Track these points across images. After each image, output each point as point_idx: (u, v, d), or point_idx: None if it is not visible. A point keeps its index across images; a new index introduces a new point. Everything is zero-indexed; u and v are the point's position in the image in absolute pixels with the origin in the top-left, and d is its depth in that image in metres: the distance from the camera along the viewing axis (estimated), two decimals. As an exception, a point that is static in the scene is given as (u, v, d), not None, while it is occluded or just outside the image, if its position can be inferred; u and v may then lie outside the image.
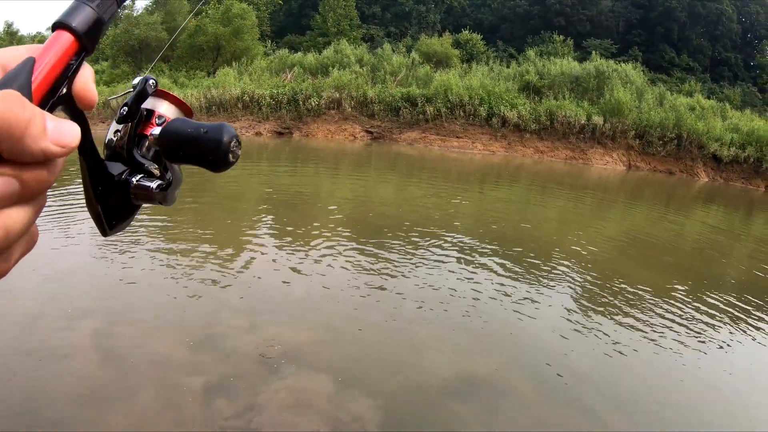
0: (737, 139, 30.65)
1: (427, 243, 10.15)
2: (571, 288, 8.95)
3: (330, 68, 30.36)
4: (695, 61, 61.02)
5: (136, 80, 0.74)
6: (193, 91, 28.13)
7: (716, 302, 9.20)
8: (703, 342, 7.62)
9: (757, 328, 8.40)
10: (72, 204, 10.56)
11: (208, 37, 34.58)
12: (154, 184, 0.71)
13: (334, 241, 9.69)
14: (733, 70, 62.34)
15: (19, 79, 0.50)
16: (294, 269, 8.16)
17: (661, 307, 8.51)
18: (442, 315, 7.22)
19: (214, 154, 0.67)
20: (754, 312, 9.11)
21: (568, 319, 7.61)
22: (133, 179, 0.70)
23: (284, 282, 7.68)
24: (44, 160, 0.49)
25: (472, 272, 8.89)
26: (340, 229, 10.66)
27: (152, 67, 31.62)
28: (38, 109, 0.48)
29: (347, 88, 28.27)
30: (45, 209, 0.62)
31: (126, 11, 38.70)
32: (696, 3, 61.05)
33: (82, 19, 0.57)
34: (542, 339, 7.02)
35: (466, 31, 50.57)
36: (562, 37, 52.16)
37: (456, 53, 41.06)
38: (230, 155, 0.67)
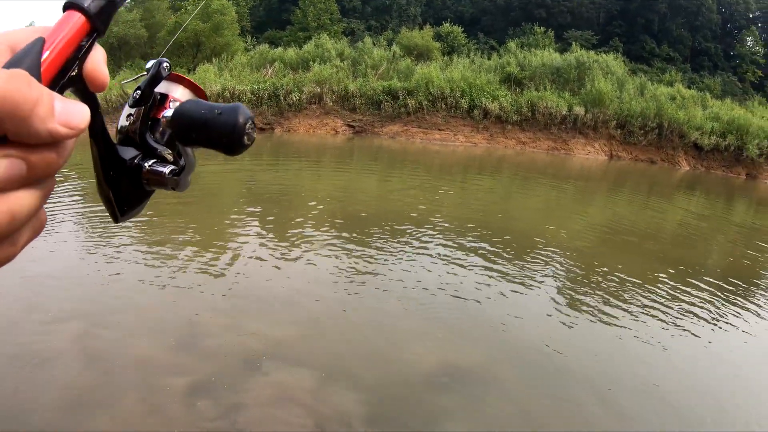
0: (718, 127, 31.03)
1: (411, 235, 10.10)
2: (555, 277, 8.94)
3: (311, 63, 30.15)
4: (675, 52, 61.29)
5: (150, 63, 0.72)
6: (172, 87, 27.80)
7: (700, 287, 9.25)
8: (689, 326, 7.64)
9: (741, 311, 8.48)
10: (54, 202, 10.40)
11: (188, 34, 34.25)
12: (166, 169, 0.69)
13: (318, 235, 9.61)
14: (713, 60, 62.67)
15: (28, 59, 0.49)
16: (277, 265, 8.07)
17: (646, 294, 8.52)
18: (426, 307, 7.16)
19: (228, 136, 0.66)
20: (737, 295, 9.20)
21: (553, 309, 7.59)
22: (146, 164, 0.69)
23: (267, 278, 7.59)
24: (52, 141, 0.47)
25: (456, 263, 8.84)
26: (323, 223, 10.57)
27: (132, 64, 31.38)
28: (46, 89, 0.46)
29: (328, 82, 28.11)
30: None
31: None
32: (676, -7, 61.38)
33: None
34: (527, 329, 7.00)
35: (447, 24, 50.40)
36: (542, 29, 52.19)
37: (437, 46, 40.98)
38: (245, 137, 0.66)
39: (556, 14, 60.43)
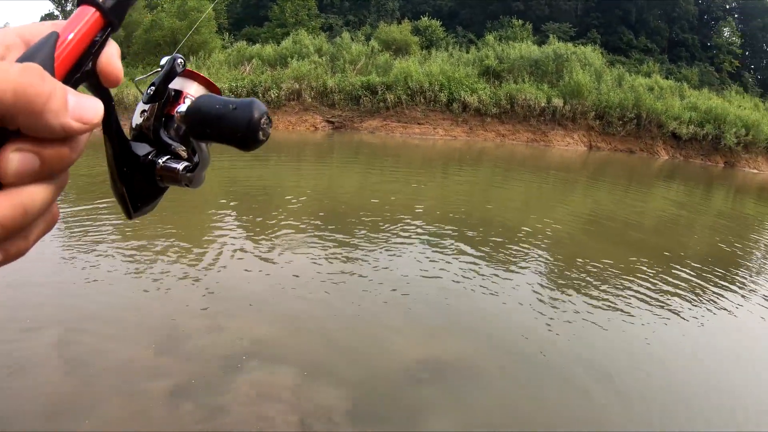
0: (696, 117, 31.44)
1: (392, 229, 10.04)
2: (537, 268, 8.95)
3: (289, 59, 29.95)
4: (653, 43, 61.54)
5: (164, 60, 0.72)
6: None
7: (682, 273, 9.36)
8: (672, 312, 7.72)
9: (721, 296, 8.59)
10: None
11: (165, 32, 33.86)
12: (180, 166, 0.69)
13: (298, 232, 9.52)
14: (691, 50, 63.01)
15: (42, 53, 0.49)
16: (257, 263, 7.97)
17: (629, 282, 8.58)
18: (408, 300, 7.13)
19: (243, 131, 0.66)
20: (717, 281, 9.32)
21: (536, 299, 7.59)
22: (160, 161, 0.69)
23: (247, 277, 7.48)
24: (65, 136, 0.47)
25: (439, 256, 8.82)
26: (304, 219, 10.48)
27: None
28: (59, 84, 0.47)
29: (307, 78, 27.93)
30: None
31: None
32: (653, -15, 61.66)
33: None
34: (510, 319, 6.99)
35: (425, 18, 50.34)
36: (520, 22, 52.13)
37: (415, 40, 40.85)
38: (260, 133, 0.66)
39: (534, 7, 60.46)
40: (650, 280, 8.77)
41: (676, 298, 8.19)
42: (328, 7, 56.72)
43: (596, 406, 5.29)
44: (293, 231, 9.52)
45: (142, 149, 0.68)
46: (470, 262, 8.63)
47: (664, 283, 8.73)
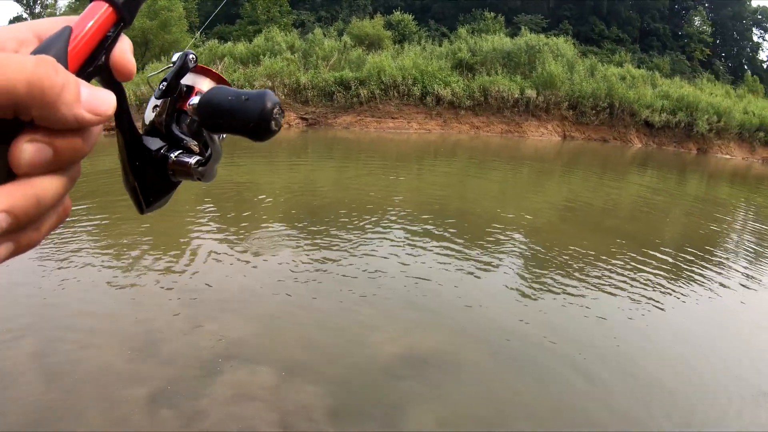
0: (668, 105, 31.88)
1: (370, 224, 9.98)
2: (516, 258, 8.94)
3: (261, 56, 29.74)
4: (625, 33, 62.05)
5: (176, 56, 0.72)
6: (121, 88, 27.25)
7: (658, 258, 9.46)
8: (651, 296, 7.77)
9: (698, 278, 8.73)
10: None
11: (135, 32, 33.43)
12: (192, 160, 0.69)
13: (275, 230, 9.42)
14: (662, 40, 63.62)
15: (55, 46, 0.50)
16: (233, 263, 7.85)
17: (607, 268, 8.63)
18: (387, 294, 7.09)
19: (255, 121, 0.66)
20: (694, 264, 9.48)
21: (514, 289, 7.59)
22: (172, 155, 0.69)
23: (224, 277, 7.36)
24: (78, 127, 0.48)
25: (416, 250, 8.77)
26: (279, 217, 10.37)
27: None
28: (72, 76, 0.47)
29: (279, 75, 27.74)
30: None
31: (48, 10, 37.44)
32: (623, -25, 62.07)
33: None
34: (489, 310, 6.97)
35: (398, 12, 50.33)
36: (493, 14, 52.33)
37: (388, 35, 40.80)
38: (272, 123, 0.67)
39: (507, -1, 60.73)
40: (628, 264, 8.84)
41: (654, 282, 8.25)
42: (300, 4, 56.51)
43: (577, 392, 5.28)
44: (268, 229, 9.41)
45: (154, 144, 0.68)
46: (448, 254, 8.60)
47: (642, 267, 8.80)
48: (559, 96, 29.81)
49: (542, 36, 35.07)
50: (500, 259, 8.69)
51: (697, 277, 8.77)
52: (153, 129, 0.71)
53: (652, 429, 4.91)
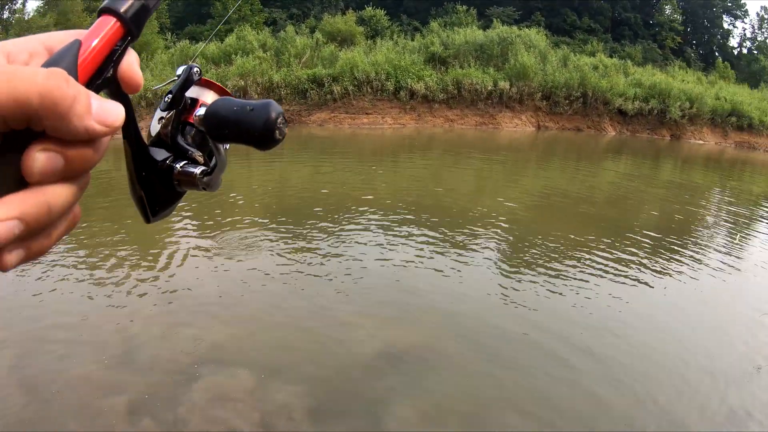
0: (640, 93, 32.25)
1: (346, 221, 9.94)
2: (493, 248, 8.96)
3: (233, 56, 29.51)
4: (596, 23, 62.29)
5: (180, 69, 0.75)
6: (91, 92, 26.92)
7: (637, 243, 9.60)
8: (631, 282, 7.90)
9: (676, 261, 8.90)
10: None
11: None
12: (198, 170, 0.71)
13: (251, 230, 9.29)
14: (634, 29, 63.96)
15: (66, 59, 0.52)
16: (210, 265, 7.77)
17: (587, 255, 8.72)
18: (365, 291, 7.07)
19: (260, 131, 0.68)
20: (672, 247, 9.65)
21: (495, 281, 7.62)
22: (177, 165, 0.71)
23: (200, 280, 7.27)
24: (88, 138, 0.49)
25: (394, 244, 8.76)
26: (255, 217, 10.26)
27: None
28: (83, 88, 0.48)
29: (252, 74, 27.55)
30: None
31: (17, 15, 36.90)
32: (593, -34, 62.36)
33: (127, 5, 0.58)
34: (471, 303, 6.97)
35: (370, 8, 50.22)
36: (465, 8, 52.32)
37: (360, 30, 40.60)
38: (277, 132, 0.68)
39: (478, -8, 60.77)
40: (607, 250, 8.92)
41: (633, 266, 8.39)
42: (271, 2, 56.07)
43: (559, 381, 5.29)
44: (244, 230, 9.27)
45: (160, 154, 0.70)
46: (426, 248, 8.60)
47: (620, 252, 8.92)
48: (533, 87, 29.97)
49: (514, 28, 35.19)
50: (479, 251, 8.69)
51: (675, 259, 8.92)
52: (159, 140, 0.72)
53: (636, 413, 4.94)
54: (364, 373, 5.22)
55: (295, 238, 8.86)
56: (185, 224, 9.64)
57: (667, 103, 32.28)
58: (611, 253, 8.80)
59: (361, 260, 8.01)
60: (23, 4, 38.17)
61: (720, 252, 9.81)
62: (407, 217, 10.35)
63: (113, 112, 0.51)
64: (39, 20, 36.12)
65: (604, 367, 5.59)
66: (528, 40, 32.90)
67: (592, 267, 8.16)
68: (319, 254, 8.20)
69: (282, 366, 5.28)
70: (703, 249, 9.90)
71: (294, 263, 7.83)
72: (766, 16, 71.83)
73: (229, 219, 10.04)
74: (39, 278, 7.19)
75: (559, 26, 59.03)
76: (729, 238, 11.10)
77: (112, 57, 0.57)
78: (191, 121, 0.73)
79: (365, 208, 10.82)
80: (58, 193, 0.49)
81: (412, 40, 34.99)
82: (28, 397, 4.81)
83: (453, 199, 12.70)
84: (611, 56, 42.53)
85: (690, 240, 10.46)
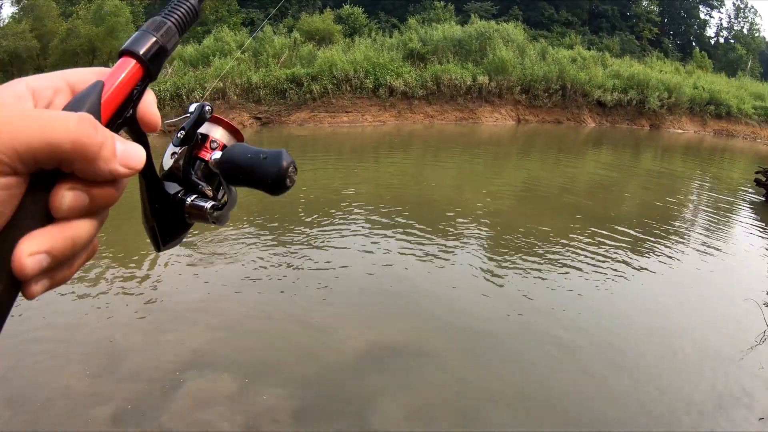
0: (619, 84, 32.53)
1: (328, 220, 9.89)
2: (478, 243, 8.95)
3: (211, 58, 29.32)
4: (574, 16, 62.65)
5: (193, 107, 0.77)
6: (70, 99, 26.65)
7: (619, 231, 9.67)
8: (613, 269, 7.96)
9: (659, 248, 9.03)
10: None
11: (82, 40, 32.77)
12: (208, 205, 0.74)
13: (232, 232, 9.18)
14: (611, 21, 64.36)
15: (90, 100, 0.54)
16: (192, 270, 7.68)
17: (571, 245, 8.78)
18: (348, 289, 7.04)
19: (273, 179, 0.73)
20: (654, 234, 9.78)
21: (478, 274, 7.62)
22: (188, 199, 0.74)
23: (183, 286, 7.20)
24: (112, 179, 0.53)
25: (377, 241, 8.74)
26: (236, 219, 10.08)
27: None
28: (109, 132, 0.52)
29: (230, 75, 27.39)
30: None
31: (-8, 22, 36.52)
32: (570, -41, 62.62)
33: (147, 47, 0.60)
34: (454, 296, 6.98)
35: (347, 6, 50.18)
36: (442, 3, 52.41)
37: (338, 29, 40.59)
38: (288, 180, 0.73)
39: (456, -12, 60.79)
40: (590, 240, 8.98)
41: (618, 255, 8.47)
42: (248, 2, 55.79)
43: (546, 374, 5.31)
44: (225, 232, 9.14)
45: (172, 188, 0.73)
46: (409, 243, 8.59)
47: (603, 241, 9.00)
48: (511, 81, 30.07)
49: (492, 22, 35.22)
50: (462, 245, 8.69)
51: (659, 246, 9.05)
52: (171, 174, 0.74)
53: (620, 399, 4.96)
54: (348, 373, 5.19)
55: (276, 239, 8.80)
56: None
57: (646, 94, 32.66)
58: (595, 243, 8.83)
59: (343, 259, 7.98)
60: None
61: (703, 238, 9.95)
62: (389, 213, 10.31)
63: (136, 155, 0.54)
64: (14, 26, 35.72)
65: (593, 358, 5.62)
66: (506, 35, 32.97)
67: (577, 257, 8.18)
68: (301, 254, 8.16)
69: (265, 368, 5.24)
70: (685, 235, 10.01)
71: (275, 264, 7.78)
72: (742, 6, 72.51)
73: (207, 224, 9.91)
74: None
75: (536, 20, 59.28)
76: (711, 224, 11.21)
77: (132, 97, 0.59)
78: (202, 157, 0.77)
79: (347, 207, 10.79)
80: (82, 228, 0.52)
81: (391, 37, 34.93)
82: (14, 410, 4.76)
83: (435, 194, 12.70)
84: (589, 48, 42.73)
85: (673, 227, 10.55)
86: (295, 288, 7.04)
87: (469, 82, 29.14)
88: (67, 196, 0.50)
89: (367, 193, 12.42)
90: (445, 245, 8.56)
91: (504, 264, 7.92)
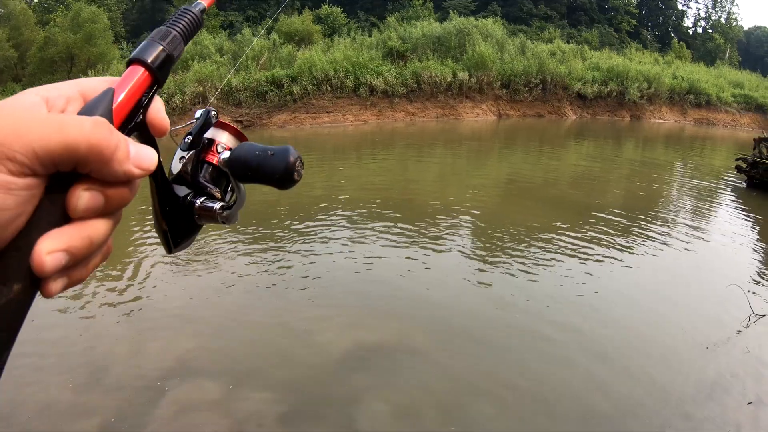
0: (599, 76, 32.83)
1: (310, 220, 9.84)
2: (462, 239, 8.93)
3: (190, 62, 29.14)
4: (553, 10, 62.84)
5: (199, 113, 0.81)
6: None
7: (605, 220, 9.76)
8: (598, 258, 8.02)
9: (644, 237, 9.11)
10: None
11: (60, 48, 32.40)
12: (217, 205, 0.76)
13: (214, 237, 9.06)
14: (589, 14, 64.67)
15: (102, 107, 0.56)
16: (173, 277, 7.60)
17: (556, 236, 8.81)
18: (331, 290, 7.00)
19: (281, 173, 0.75)
20: (639, 223, 9.86)
21: (463, 269, 7.61)
22: (197, 201, 0.76)
23: (165, 292, 7.09)
24: (126, 180, 0.55)
25: (360, 242, 8.69)
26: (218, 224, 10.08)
27: (4, 90, 29.55)
28: (122, 136, 0.54)
29: (210, 79, 27.21)
30: None
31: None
32: (547, -47, 62.83)
33: (154, 55, 0.63)
34: (439, 292, 6.94)
35: (326, 6, 50.05)
36: (421, 1, 52.36)
37: (318, 29, 40.56)
38: (295, 174, 0.76)
39: (434, -15, 60.80)
40: (575, 231, 9.03)
41: (602, 245, 8.51)
42: (227, 5, 55.57)
43: (533, 368, 5.31)
44: (207, 236, 9.04)
45: (181, 191, 0.76)
46: (393, 241, 8.58)
47: (589, 232, 9.04)
48: (491, 76, 30.20)
49: (471, 19, 35.32)
50: (446, 241, 8.67)
51: (643, 235, 9.12)
52: (180, 178, 0.77)
53: (610, 391, 4.96)
54: (334, 374, 5.15)
55: (258, 242, 8.73)
56: (145, 236, 9.40)
57: (626, 85, 33.11)
58: (579, 234, 8.86)
59: (326, 260, 7.93)
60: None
61: (686, 225, 10.04)
62: (372, 212, 10.29)
63: (148, 157, 0.57)
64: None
65: (580, 350, 5.60)
66: (485, 30, 33.11)
67: (562, 249, 8.20)
68: (284, 257, 8.10)
69: (250, 373, 5.19)
70: (669, 223, 10.09)
71: (258, 268, 7.72)
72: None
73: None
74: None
75: (515, 15, 59.40)
76: (694, 212, 11.32)
77: (142, 103, 0.61)
78: (209, 160, 0.79)
79: (330, 207, 10.75)
80: (98, 228, 0.54)
81: (370, 36, 34.90)
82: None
83: (418, 190, 12.68)
84: (568, 42, 42.97)
85: (656, 216, 10.63)
86: (278, 291, 6.99)
87: (449, 79, 29.24)
88: (83, 196, 0.52)
89: (350, 192, 12.36)
90: (429, 242, 8.54)
91: (489, 259, 7.90)
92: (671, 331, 6.05)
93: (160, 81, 0.63)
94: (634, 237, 9.02)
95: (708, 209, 11.86)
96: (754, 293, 7.09)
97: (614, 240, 8.70)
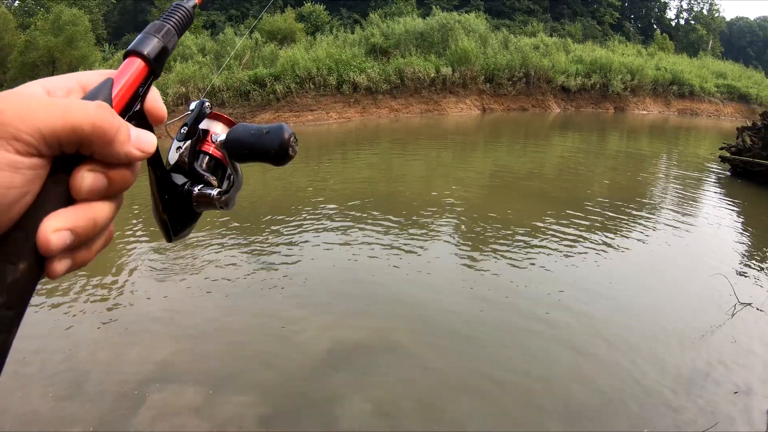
0: (582, 69, 33.01)
1: (295, 219, 9.77)
2: (447, 234, 8.94)
3: (172, 62, 28.98)
4: (536, 4, 62.93)
5: (193, 104, 0.82)
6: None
7: (592, 212, 9.83)
8: (585, 250, 8.07)
9: (631, 227, 9.24)
10: None
11: (41, 52, 32.10)
12: (215, 192, 0.78)
13: (197, 239, 8.98)
14: (572, 7, 64.86)
15: (102, 95, 0.58)
16: (152, 282, 7.51)
17: (543, 229, 8.87)
18: (313, 290, 6.97)
19: (276, 149, 0.76)
20: (626, 213, 9.98)
21: (449, 264, 7.63)
22: (195, 189, 0.78)
23: (144, 298, 7.02)
24: (127, 162, 0.57)
25: (343, 240, 8.65)
26: (202, 225, 9.90)
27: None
28: (123, 120, 0.56)
29: (192, 80, 27.07)
30: None
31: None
32: (529, -54, 62.89)
33: (151, 47, 0.65)
34: (424, 288, 6.94)
35: (309, 4, 49.88)
36: (404, -4, 52.40)
37: (300, 27, 40.42)
38: (290, 149, 0.76)
39: (417, -19, 60.72)
40: (561, 222, 9.09)
41: (588, 235, 8.57)
42: (209, 4, 55.28)
43: (515, 363, 5.30)
44: (190, 239, 8.90)
45: (179, 180, 0.77)
46: (379, 238, 8.55)
47: (577, 222, 9.12)
48: (475, 71, 30.25)
49: (454, 14, 35.32)
50: (431, 236, 8.68)
51: (631, 225, 9.25)
52: (177, 167, 0.78)
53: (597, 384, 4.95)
54: (314, 374, 5.13)
55: (240, 243, 8.68)
56: (128, 239, 9.29)
57: (609, 77, 33.37)
58: (566, 225, 8.89)
59: (308, 259, 7.91)
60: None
61: (672, 214, 10.13)
62: (357, 209, 10.25)
63: (148, 140, 0.59)
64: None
65: (567, 344, 5.62)
66: (468, 25, 33.10)
67: (548, 242, 8.24)
68: (265, 258, 8.06)
69: (230, 376, 5.16)
70: (655, 213, 10.20)
71: (240, 269, 7.68)
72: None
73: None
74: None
75: (498, 9, 59.46)
76: (680, 201, 11.39)
77: (139, 93, 0.63)
78: (205, 150, 0.79)
79: (313, 204, 10.71)
80: (101, 209, 0.55)
81: (353, 33, 34.82)
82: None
83: (403, 186, 12.66)
84: (551, 35, 43.15)
85: (642, 205, 10.73)
86: (259, 292, 6.94)
87: (432, 74, 29.28)
88: (87, 177, 0.54)
89: (334, 189, 12.35)
90: (413, 238, 8.52)
91: (473, 254, 7.90)
92: (658, 322, 6.07)
93: (156, 72, 0.65)
94: (620, 227, 9.07)
95: (694, 198, 11.94)
96: (739, 280, 7.15)
97: (600, 231, 8.74)
